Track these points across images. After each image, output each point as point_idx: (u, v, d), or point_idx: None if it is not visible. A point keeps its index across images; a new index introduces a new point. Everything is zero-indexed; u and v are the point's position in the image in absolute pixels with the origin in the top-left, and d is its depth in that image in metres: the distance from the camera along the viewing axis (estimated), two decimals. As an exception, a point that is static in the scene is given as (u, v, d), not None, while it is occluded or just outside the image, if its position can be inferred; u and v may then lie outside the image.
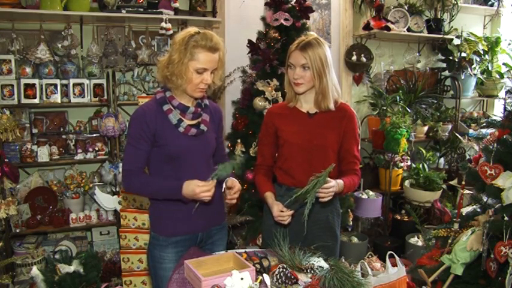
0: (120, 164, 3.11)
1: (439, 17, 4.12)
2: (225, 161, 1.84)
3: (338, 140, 1.91)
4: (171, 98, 1.70)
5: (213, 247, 1.84)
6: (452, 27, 4.17)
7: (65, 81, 3.11)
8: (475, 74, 4.13)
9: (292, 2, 2.98)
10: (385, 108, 3.65)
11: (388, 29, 3.74)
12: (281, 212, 1.77)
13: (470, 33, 4.14)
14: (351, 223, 3.25)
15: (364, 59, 3.90)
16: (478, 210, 1.79)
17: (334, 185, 1.68)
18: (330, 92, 1.85)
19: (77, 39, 3.17)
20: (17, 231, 2.95)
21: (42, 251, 3.02)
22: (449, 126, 4.01)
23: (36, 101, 3.03)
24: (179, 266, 1.61)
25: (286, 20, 2.91)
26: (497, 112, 4.57)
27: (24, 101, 3.00)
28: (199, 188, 1.54)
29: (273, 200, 1.86)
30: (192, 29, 1.64)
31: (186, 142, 1.69)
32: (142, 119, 1.65)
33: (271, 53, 2.88)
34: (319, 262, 1.53)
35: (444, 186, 3.59)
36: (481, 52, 4.12)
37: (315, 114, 1.91)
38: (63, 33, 3.09)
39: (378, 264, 2.84)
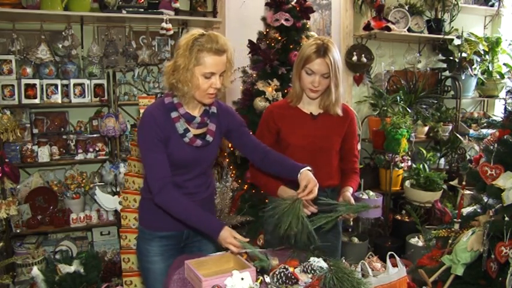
0: (121, 165, 3.11)
1: (439, 17, 4.11)
2: (264, 149, 1.79)
3: (340, 141, 1.94)
4: (179, 105, 1.62)
5: (201, 245, 1.82)
6: (452, 27, 4.17)
7: (65, 82, 3.12)
8: (475, 74, 4.12)
9: (293, 2, 2.98)
10: (385, 108, 3.65)
11: (389, 29, 3.74)
12: (308, 205, 1.76)
13: (471, 33, 4.13)
14: (352, 223, 3.24)
15: (364, 59, 3.89)
16: (479, 210, 1.79)
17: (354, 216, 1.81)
18: (341, 99, 1.87)
19: (78, 40, 3.17)
20: (18, 231, 2.96)
21: (43, 251, 3.02)
22: (450, 127, 4.00)
23: (37, 101, 3.03)
24: (178, 266, 1.61)
25: (286, 20, 2.91)
26: (497, 112, 4.56)
27: (24, 101, 3.01)
28: (230, 240, 1.52)
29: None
30: (196, 32, 1.56)
31: (190, 153, 1.65)
32: (154, 124, 1.58)
33: (271, 53, 2.88)
34: (319, 262, 1.53)
35: (445, 186, 3.59)
36: (482, 52, 4.11)
37: (318, 116, 1.91)
38: (63, 33, 3.09)
39: (378, 265, 2.83)
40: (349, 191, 1.86)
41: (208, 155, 1.72)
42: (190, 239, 1.80)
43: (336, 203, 1.71)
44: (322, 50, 1.76)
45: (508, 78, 4.19)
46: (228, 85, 1.67)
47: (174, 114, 1.62)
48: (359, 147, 3.62)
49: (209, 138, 1.67)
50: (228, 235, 1.52)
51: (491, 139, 1.73)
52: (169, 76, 1.58)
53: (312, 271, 1.49)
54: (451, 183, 3.72)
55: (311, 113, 1.91)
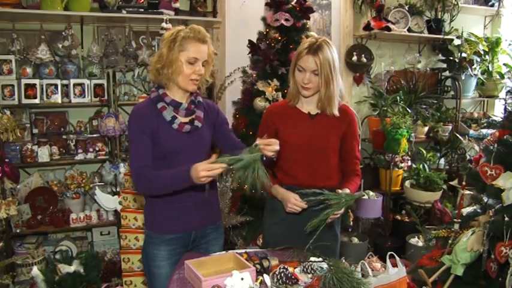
0: (121, 164, 3.11)
1: (439, 17, 4.12)
2: (239, 144, 1.81)
3: (339, 141, 1.92)
4: (164, 95, 1.70)
5: (208, 246, 1.83)
6: (452, 27, 4.17)
7: (65, 82, 3.11)
8: (475, 75, 4.12)
9: (293, 3, 2.99)
10: (385, 108, 3.65)
11: (389, 29, 3.74)
12: (296, 201, 1.78)
13: (471, 33, 4.14)
14: (351, 223, 3.25)
15: (364, 59, 3.90)
16: (479, 210, 1.79)
17: (342, 212, 1.73)
18: (336, 98, 1.85)
19: (78, 40, 3.17)
20: (18, 231, 2.96)
21: (43, 251, 3.02)
22: (450, 127, 4.00)
23: (37, 101, 3.03)
24: (179, 266, 1.61)
25: (286, 20, 2.91)
26: (497, 112, 4.56)
27: (24, 101, 3.00)
28: (200, 174, 1.48)
29: (286, 190, 1.85)
30: (179, 27, 1.67)
31: (180, 139, 1.69)
32: (140, 117, 1.65)
33: (271, 53, 2.88)
34: (319, 262, 1.53)
35: (444, 186, 3.59)
36: (482, 52, 4.12)
37: (316, 116, 1.91)
38: (63, 33, 3.09)
39: (378, 265, 2.82)
40: (345, 192, 1.85)
41: (200, 142, 1.74)
42: (197, 241, 1.81)
43: (321, 192, 1.63)
44: (314, 48, 1.78)
45: (508, 78, 4.19)
46: (209, 79, 1.75)
47: (160, 105, 1.69)
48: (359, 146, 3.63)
49: (197, 123, 1.73)
50: (196, 171, 1.49)
51: (491, 139, 1.73)
52: (155, 64, 1.67)
53: (312, 271, 1.49)
54: (451, 183, 3.72)
55: (309, 112, 1.91)
